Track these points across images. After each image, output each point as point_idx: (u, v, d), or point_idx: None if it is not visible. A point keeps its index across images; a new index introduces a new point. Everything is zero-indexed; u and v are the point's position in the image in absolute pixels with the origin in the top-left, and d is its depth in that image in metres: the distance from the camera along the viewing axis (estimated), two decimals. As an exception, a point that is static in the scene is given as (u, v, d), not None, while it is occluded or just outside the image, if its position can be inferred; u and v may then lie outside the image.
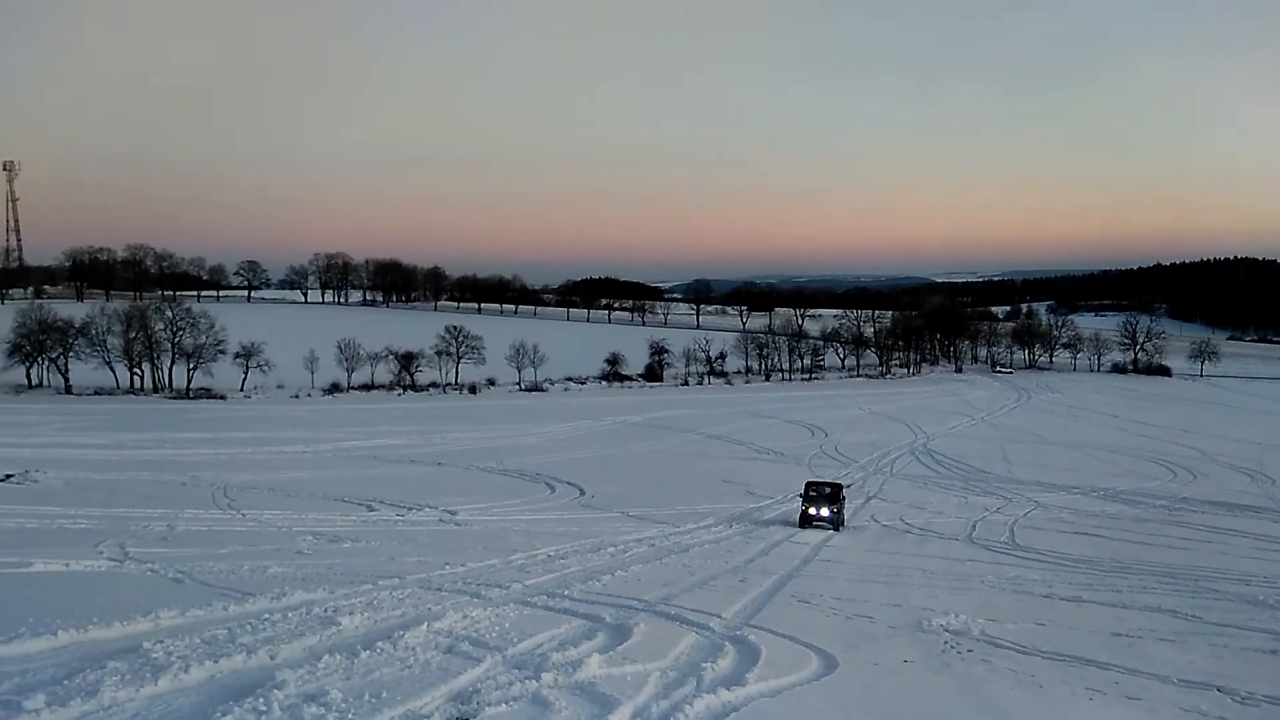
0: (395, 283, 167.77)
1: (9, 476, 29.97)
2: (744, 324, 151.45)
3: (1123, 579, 20.48)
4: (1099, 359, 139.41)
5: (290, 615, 10.94)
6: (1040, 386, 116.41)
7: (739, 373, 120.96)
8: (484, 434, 62.43)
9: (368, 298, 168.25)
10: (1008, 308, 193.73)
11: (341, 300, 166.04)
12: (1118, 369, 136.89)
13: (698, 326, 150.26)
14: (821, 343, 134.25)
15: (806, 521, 30.46)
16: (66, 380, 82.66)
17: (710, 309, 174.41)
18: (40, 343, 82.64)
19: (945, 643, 11.84)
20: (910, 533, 30.25)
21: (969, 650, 11.39)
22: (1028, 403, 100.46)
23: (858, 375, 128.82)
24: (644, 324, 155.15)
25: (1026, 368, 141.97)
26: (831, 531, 29.11)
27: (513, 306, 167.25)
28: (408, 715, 7.15)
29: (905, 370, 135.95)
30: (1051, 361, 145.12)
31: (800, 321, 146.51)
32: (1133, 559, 24.49)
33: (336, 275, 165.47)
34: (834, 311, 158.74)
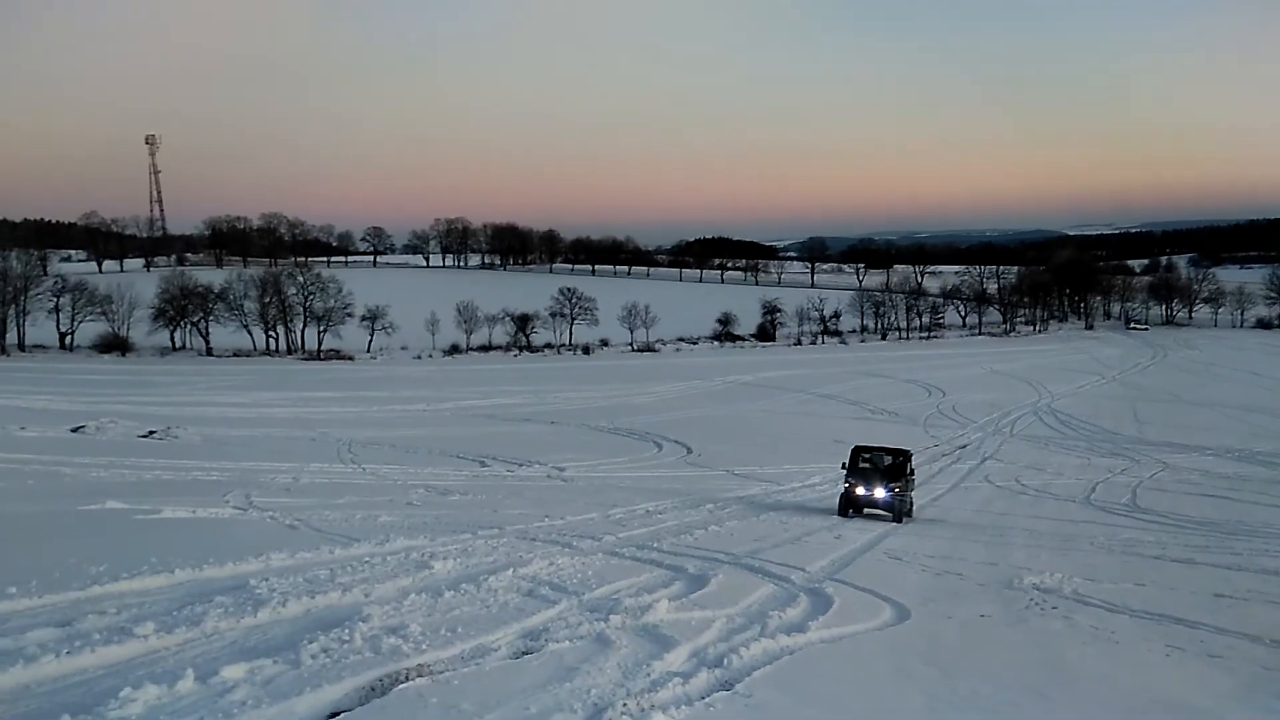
0: (512, 246, 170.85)
1: (152, 433, 32.23)
2: (860, 282, 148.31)
3: (1243, 542, 19.54)
4: (1242, 314, 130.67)
5: (389, 559, 11.60)
6: (1177, 343, 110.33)
7: (854, 332, 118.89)
8: (596, 394, 63.50)
9: (486, 261, 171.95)
10: (1145, 261, 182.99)
11: (461, 264, 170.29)
12: (1263, 324, 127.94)
13: (812, 285, 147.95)
14: (941, 300, 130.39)
15: (850, 506, 22.13)
16: (207, 343, 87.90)
17: (825, 267, 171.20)
18: (182, 307, 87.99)
19: (1031, 600, 11.64)
20: (1025, 494, 29.45)
21: (1053, 607, 11.16)
22: (1163, 360, 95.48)
23: (979, 334, 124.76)
24: (757, 283, 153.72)
25: (1163, 324, 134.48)
26: (890, 524, 20.92)
27: (626, 268, 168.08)
28: (478, 648, 7.58)
29: (1031, 328, 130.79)
30: (1191, 317, 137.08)
31: (919, 278, 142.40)
32: (1260, 521, 23.29)
33: (456, 240, 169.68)
34: (955, 268, 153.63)
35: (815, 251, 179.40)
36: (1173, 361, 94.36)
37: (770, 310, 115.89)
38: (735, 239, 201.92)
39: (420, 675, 6.71)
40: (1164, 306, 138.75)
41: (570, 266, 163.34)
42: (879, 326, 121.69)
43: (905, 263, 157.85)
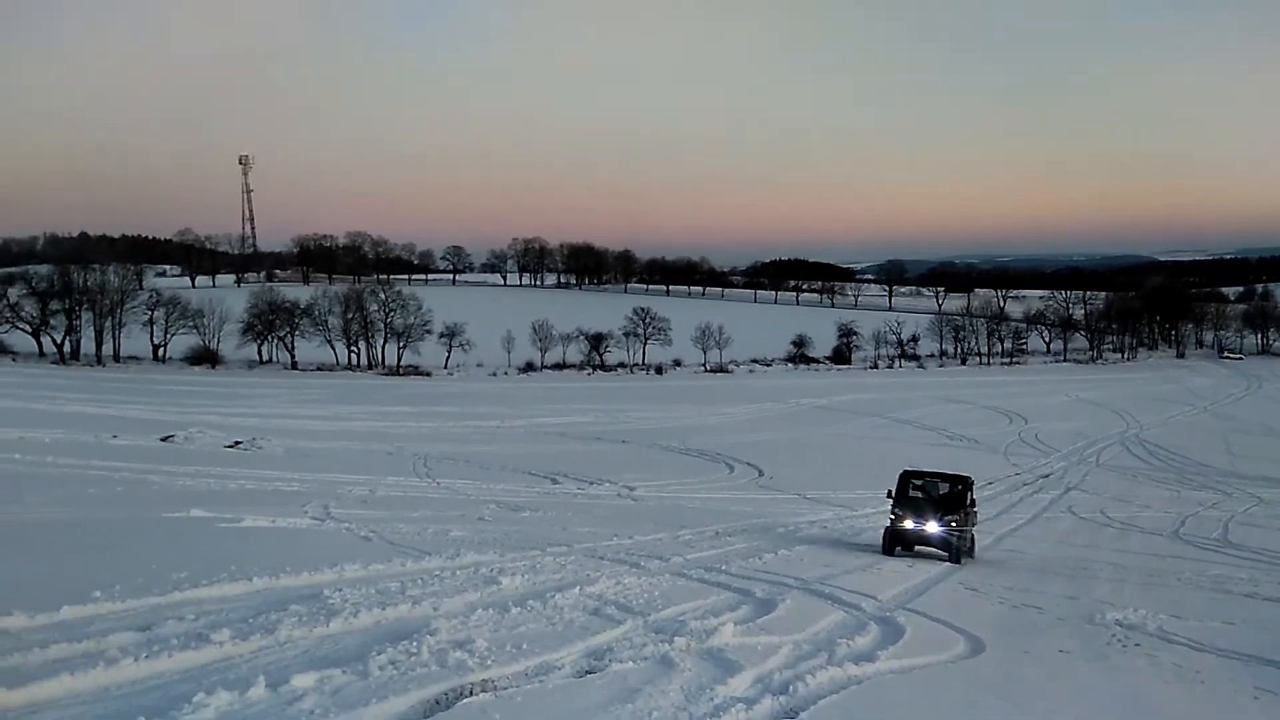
0: (587, 265, 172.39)
1: (238, 443, 33.26)
2: (940, 305, 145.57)
3: (1347, 583, 18.49)
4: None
5: (459, 574, 11.72)
6: (1273, 374, 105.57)
7: (932, 356, 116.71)
8: (668, 414, 63.48)
9: (562, 280, 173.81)
10: (1240, 289, 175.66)
11: (537, 283, 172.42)
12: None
13: (889, 308, 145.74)
14: (1025, 325, 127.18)
15: (897, 543, 19.33)
16: (293, 357, 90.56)
17: (904, 290, 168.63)
18: (270, 322, 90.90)
19: (1113, 636, 11.18)
20: (1110, 526, 28.45)
21: (1136, 644, 10.70)
22: (1258, 391, 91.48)
23: (1064, 360, 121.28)
24: (833, 305, 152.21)
25: (1258, 353, 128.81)
26: (946, 564, 18.04)
27: (700, 288, 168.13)
28: (542, 665, 7.59)
29: (1119, 355, 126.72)
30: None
31: (1002, 303, 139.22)
32: (1362, 562, 22.02)
33: (533, 259, 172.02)
34: (1040, 293, 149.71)
35: (893, 274, 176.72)
36: (1268, 392, 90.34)
37: (846, 333, 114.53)
38: (811, 260, 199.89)
39: (484, 690, 6.74)
40: (1259, 335, 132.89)
41: (645, 287, 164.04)
42: (958, 351, 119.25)
43: (987, 286, 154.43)
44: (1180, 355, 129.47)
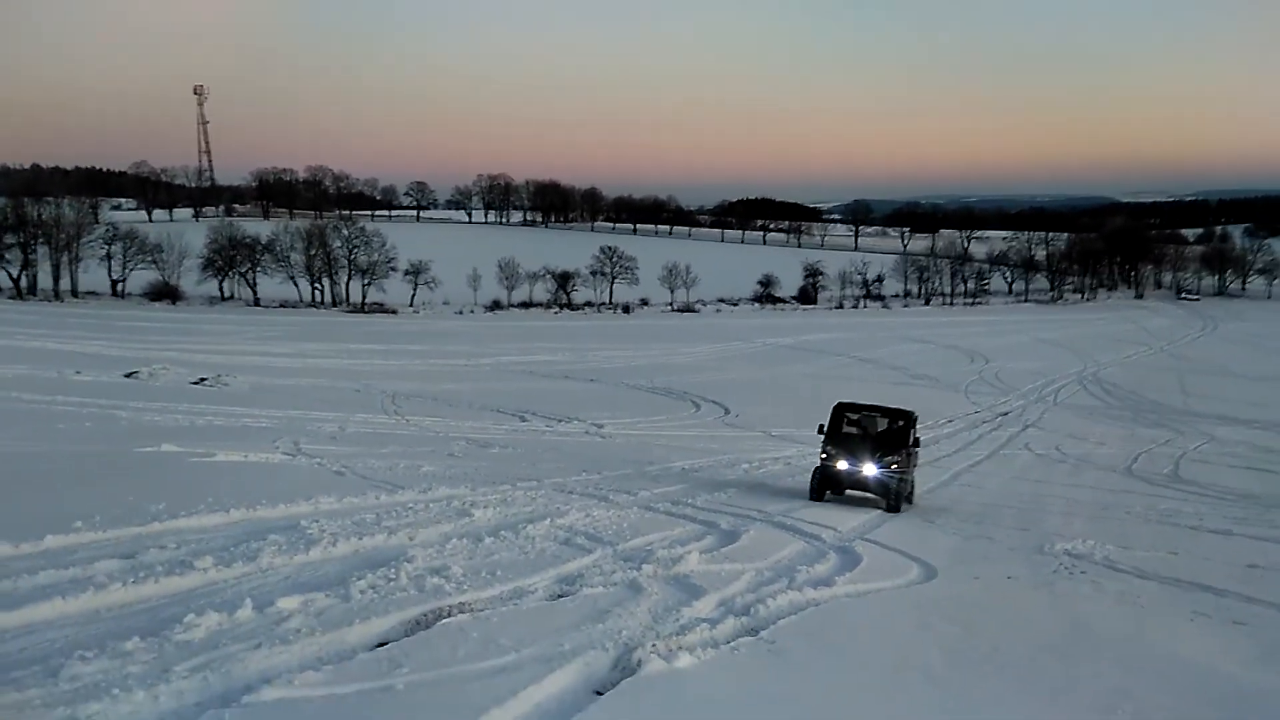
0: (554, 203, 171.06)
1: (203, 380, 33.09)
2: (905, 246, 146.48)
3: (1284, 516, 19.39)
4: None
5: (432, 506, 12.01)
6: (1229, 315, 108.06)
7: (897, 296, 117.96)
8: (635, 353, 63.81)
9: (528, 218, 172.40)
10: (1199, 231, 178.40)
11: (503, 220, 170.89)
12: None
13: (855, 249, 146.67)
14: (988, 266, 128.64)
15: (827, 486, 17.22)
16: (255, 293, 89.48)
17: (870, 230, 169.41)
18: (231, 258, 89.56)
19: (1060, 565, 11.77)
20: (1065, 462, 29.32)
21: (1082, 572, 11.29)
22: (1213, 332, 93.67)
23: (1026, 301, 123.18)
24: (800, 246, 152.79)
25: (1215, 295, 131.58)
26: (881, 512, 16.05)
27: (667, 227, 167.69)
28: (516, 590, 7.94)
29: (1080, 296, 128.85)
30: (1244, 289, 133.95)
31: (966, 244, 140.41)
32: (1302, 496, 23.03)
33: (499, 196, 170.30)
34: (1004, 233, 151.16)
35: (859, 214, 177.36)
36: (1223, 333, 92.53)
37: (812, 273, 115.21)
38: (779, 200, 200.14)
39: (462, 612, 7.07)
40: (1217, 277, 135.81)
41: (612, 225, 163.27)
42: (923, 292, 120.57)
43: (952, 227, 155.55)
44: (1139, 296, 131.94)
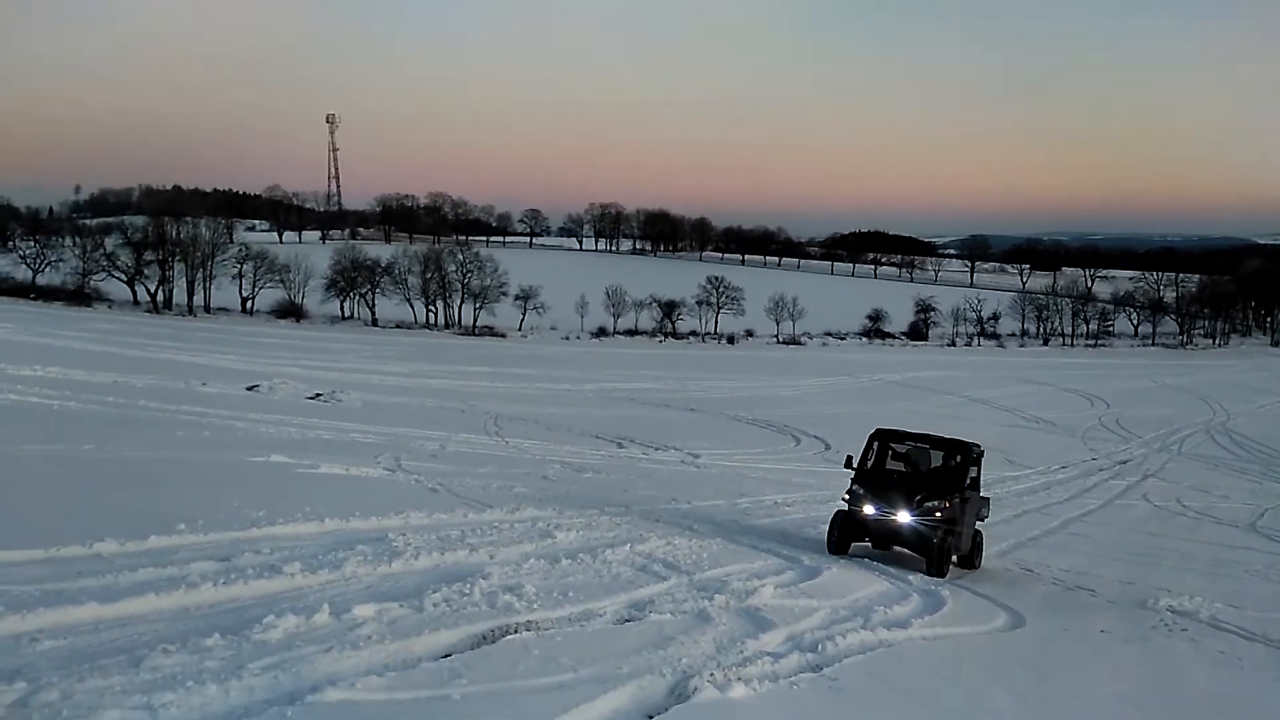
0: (663, 232, 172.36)
1: (318, 395, 34.48)
2: (1024, 284, 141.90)
3: None
4: None
5: (516, 526, 12.24)
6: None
7: (1013, 335, 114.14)
8: (738, 384, 63.48)
9: (637, 247, 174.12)
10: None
11: (613, 248, 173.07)
12: None
13: (971, 285, 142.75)
14: (1112, 307, 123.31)
15: (850, 536, 13.85)
16: (373, 314, 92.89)
17: (987, 266, 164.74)
18: (352, 280, 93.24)
19: (1160, 620, 11.17)
20: (1184, 515, 27.75)
21: (1183, 630, 10.68)
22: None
23: (1152, 344, 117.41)
24: (912, 280, 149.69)
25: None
26: (923, 575, 12.63)
27: (776, 259, 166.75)
28: (585, 612, 8.04)
29: (1210, 341, 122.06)
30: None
31: (1090, 282, 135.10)
32: None
33: (609, 224, 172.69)
34: (1130, 273, 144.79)
35: (976, 249, 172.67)
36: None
37: (924, 308, 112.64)
38: (891, 233, 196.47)
39: (528, 630, 7.21)
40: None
41: (720, 255, 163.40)
42: (1041, 331, 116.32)
43: (1075, 265, 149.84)
44: (1276, 343, 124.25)
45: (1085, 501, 29.20)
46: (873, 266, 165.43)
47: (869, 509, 13.61)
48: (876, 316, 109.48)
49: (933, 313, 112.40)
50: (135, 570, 7.65)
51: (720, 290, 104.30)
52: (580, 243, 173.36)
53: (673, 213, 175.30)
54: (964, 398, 63.27)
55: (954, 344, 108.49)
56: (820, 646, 7.71)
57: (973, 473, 14.78)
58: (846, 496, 14.14)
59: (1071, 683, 7.72)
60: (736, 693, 6.18)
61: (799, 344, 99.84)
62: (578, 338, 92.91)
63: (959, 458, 14.75)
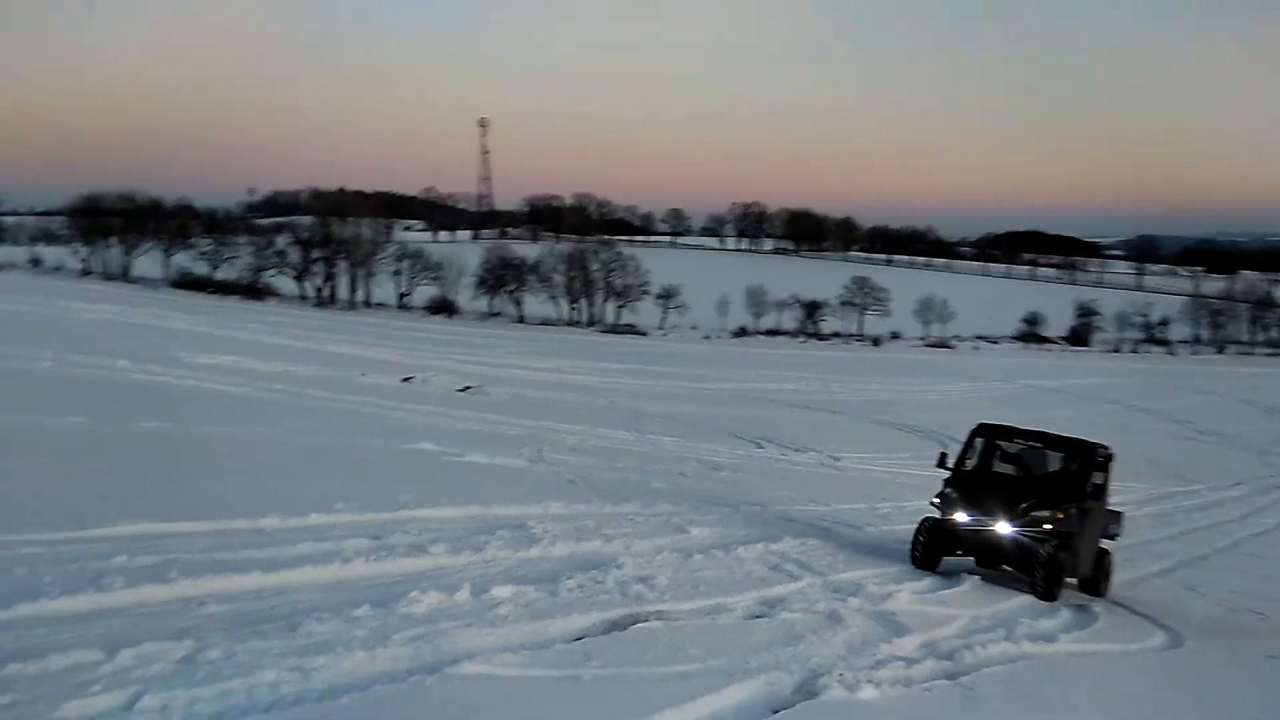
0: (807, 231, 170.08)
1: (467, 388, 35.76)
2: (1196, 287, 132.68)
3: None
4: None
5: (651, 520, 12.40)
6: None
7: (1184, 342, 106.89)
8: (882, 387, 61.98)
9: (779, 246, 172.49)
10: None
11: (755, 248, 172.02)
12: None
13: (1138, 288, 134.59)
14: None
15: (939, 549, 11.81)
16: (520, 310, 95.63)
17: (1156, 268, 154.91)
18: (501, 277, 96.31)
19: (1339, 650, 10.28)
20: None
21: (1367, 662, 9.79)
22: None
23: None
24: (1073, 282, 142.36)
25: None
26: (1028, 596, 11.06)
27: (925, 259, 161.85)
28: (716, 606, 8.09)
29: None
30: None
31: (1270, 287, 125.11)
32: None
33: (752, 223, 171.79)
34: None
35: (1144, 250, 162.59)
36: None
37: (1086, 312, 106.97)
38: (1050, 233, 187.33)
39: (658, 619, 7.31)
40: None
41: (866, 255, 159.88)
42: (1215, 338, 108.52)
43: (1254, 268, 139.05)
44: None
45: (1260, 521, 27.10)
46: (1029, 267, 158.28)
47: (962, 516, 11.73)
48: (1033, 320, 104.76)
49: (1095, 317, 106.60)
50: (295, 544, 8.21)
51: (865, 291, 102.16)
52: (722, 242, 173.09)
53: (816, 211, 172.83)
54: (1129, 406, 59.74)
55: (1118, 350, 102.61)
56: (957, 655, 7.49)
57: (1097, 479, 12.52)
58: (936, 500, 12.17)
59: (1227, 709, 7.23)
60: (865, 694, 6.09)
61: (948, 347, 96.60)
62: (718, 337, 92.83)
63: (1080, 461, 12.57)
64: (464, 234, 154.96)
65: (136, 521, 8.24)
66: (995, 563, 11.84)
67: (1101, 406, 59.62)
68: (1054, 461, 12.92)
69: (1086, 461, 12.46)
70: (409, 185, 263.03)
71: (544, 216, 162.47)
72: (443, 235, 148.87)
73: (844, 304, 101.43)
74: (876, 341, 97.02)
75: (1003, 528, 11.36)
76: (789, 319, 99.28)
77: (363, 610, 6.53)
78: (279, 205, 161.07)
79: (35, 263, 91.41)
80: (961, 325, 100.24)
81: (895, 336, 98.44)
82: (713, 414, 41.08)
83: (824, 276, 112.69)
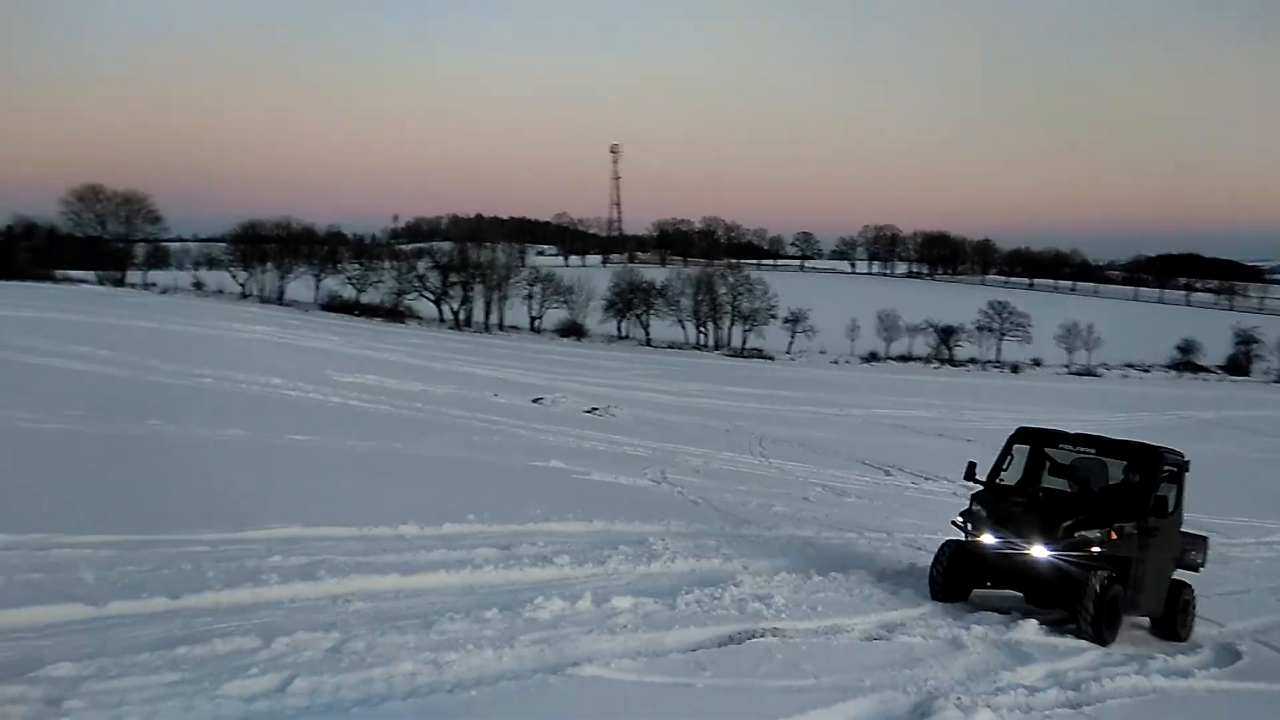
0: (942, 255, 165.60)
1: (594, 409, 36.46)
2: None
3: None
4: None
5: (772, 542, 12.46)
6: None
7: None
8: (1020, 416, 59.42)
9: (913, 269, 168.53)
10: None
11: (887, 271, 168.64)
12: None
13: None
14: None
15: (961, 579, 9.96)
16: (647, 334, 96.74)
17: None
18: (629, 301, 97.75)
19: None
20: None
21: None
22: None
23: None
24: (1231, 308, 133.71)
25: None
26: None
27: (1069, 283, 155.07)
28: (833, 627, 8.13)
29: None
30: None
31: None
32: None
33: (884, 247, 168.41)
34: None
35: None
36: None
37: (1246, 340, 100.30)
38: (1208, 256, 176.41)
39: (773, 636, 7.43)
40: None
41: (1005, 279, 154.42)
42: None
43: None
44: None
45: None
46: (1184, 292, 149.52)
47: (989, 537, 9.71)
48: (1187, 348, 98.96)
49: (1256, 345, 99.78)
50: (431, 550, 8.77)
51: (1004, 316, 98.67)
52: (853, 266, 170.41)
53: (953, 234, 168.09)
54: (1294, 441, 55.67)
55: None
56: (1084, 686, 7.30)
57: (1164, 493, 10.18)
58: (960, 519, 10.23)
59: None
60: (982, 718, 6.05)
61: (1093, 375, 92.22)
62: (847, 362, 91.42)
63: (1143, 470, 10.29)
64: (594, 258, 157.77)
65: (289, 525, 8.96)
66: (1034, 596, 9.76)
67: (1264, 439, 55.74)
68: (1117, 472, 10.80)
69: (1151, 471, 10.24)
70: (542, 211, 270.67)
71: (673, 241, 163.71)
72: (573, 259, 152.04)
73: (981, 329, 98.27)
74: (1016, 368, 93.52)
75: (1039, 551, 9.38)
76: (922, 344, 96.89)
77: (491, 613, 6.94)
78: (420, 231, 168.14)
79: (198, 286, 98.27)
80: (1109, 352, 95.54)
81: (1036, 364, 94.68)
82: (840, 439, 40.49)
83: (960, 301, 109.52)
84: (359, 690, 5.35)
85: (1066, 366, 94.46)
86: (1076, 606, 9.05)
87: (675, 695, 5.71)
